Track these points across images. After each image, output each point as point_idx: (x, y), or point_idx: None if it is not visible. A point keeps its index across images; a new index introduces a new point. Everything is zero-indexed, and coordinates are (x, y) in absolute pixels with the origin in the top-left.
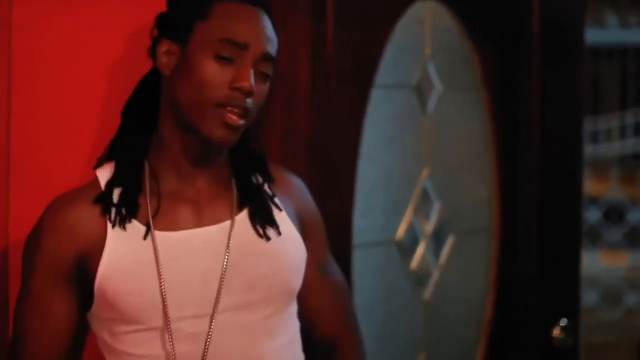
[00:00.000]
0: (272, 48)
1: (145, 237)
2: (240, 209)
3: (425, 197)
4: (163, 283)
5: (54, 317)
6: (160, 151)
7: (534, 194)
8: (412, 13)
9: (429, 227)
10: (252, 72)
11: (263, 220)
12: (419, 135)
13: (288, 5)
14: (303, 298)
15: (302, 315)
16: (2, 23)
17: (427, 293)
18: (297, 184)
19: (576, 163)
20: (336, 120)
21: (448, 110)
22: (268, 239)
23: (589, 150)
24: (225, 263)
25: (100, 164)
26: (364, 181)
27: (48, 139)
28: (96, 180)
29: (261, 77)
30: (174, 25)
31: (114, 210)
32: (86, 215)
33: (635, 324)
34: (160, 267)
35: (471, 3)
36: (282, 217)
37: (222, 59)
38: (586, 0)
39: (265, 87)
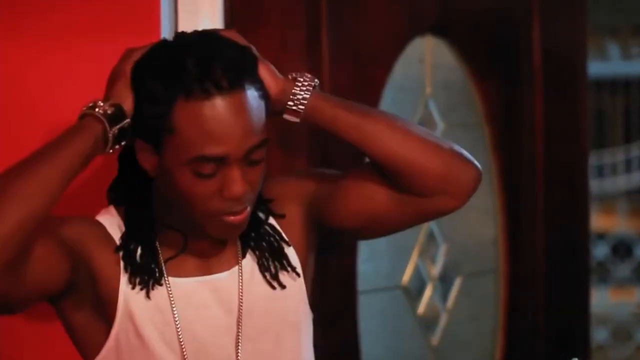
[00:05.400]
0: (260, 132)
1: (157, 283)
2: (244, 253)
3: (430, 239)
4: (180, 331)
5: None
6: (162, 207)
7: (540, 231)
8: (411, 50)
9: (435, 270)
10: (239, 174)
11: (274, 267)
12: None
13: (280, 44)
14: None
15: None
16: None
17: (436, 338)
18: (279, 185)
19: (582, 198)
20: (336, 166)
21: None
22: (283, 287)
23: (594, 184)
24: (240, 311)
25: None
26: None
27: None
28: (99, 223)
29: (253, 163)
30: (144, 128)
31: (134, 272)
32: (105, 241)
33: None
34: (177, 319)
35: (471, 38)
36: (290, 253)
37: (202, 174)
38: (586, 31)
39: (259, 168)
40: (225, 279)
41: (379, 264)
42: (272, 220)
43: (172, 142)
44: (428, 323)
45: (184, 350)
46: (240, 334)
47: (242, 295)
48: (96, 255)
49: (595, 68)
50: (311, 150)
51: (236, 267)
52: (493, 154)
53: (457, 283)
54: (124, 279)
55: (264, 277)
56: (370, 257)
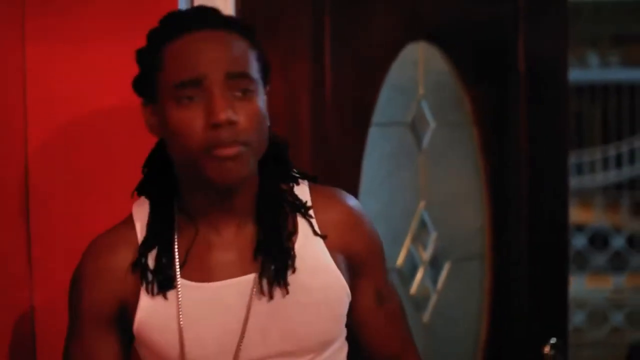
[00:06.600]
0: (241, 64)
1: (171, 288)
2: (259, 261)
3: (422, 227)
4: (184, 339)
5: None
6: (184, 204)
7: (524, 222)
8: (406, 54)
9: (426, 254)
10: (221, 99)
11: (272, 278)
12: (415, 169)
13: (288, 52)
14: (358, 325)
15: (358, 340)
16: (15, 68)
17: (426, 316)
18: (343, 212)
19: (562, 193)
20: (337, 159)
21: (441, 145)
22: (271, 297)
23: (574, 181)
24: (246, 316)
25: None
26: None
27: (64, 180)
28: (131, 220)
29: (241, 97)
30: (142, 86)
31: (150, 278)
32: (123, 260)
33: (621, 342)
34: (182, 322)
35: (461, 45)
36: (324, 261)
37: (183, 103)
38: (567, 41)
39: (252, 106)
40: (246, 282)
41: None
42: (308, 231)
43: (162, 79)
44: (419, 302)
45: (184, 352)
46: (242, 342)
47: (251, 304)
48: (118, 285)
49: (576, 75)
50: (315, 153)
51: (251, 275)
52: (480, 151)
53: (446, 267)
54: (142, 288)
55: (278, 284)
56: None
